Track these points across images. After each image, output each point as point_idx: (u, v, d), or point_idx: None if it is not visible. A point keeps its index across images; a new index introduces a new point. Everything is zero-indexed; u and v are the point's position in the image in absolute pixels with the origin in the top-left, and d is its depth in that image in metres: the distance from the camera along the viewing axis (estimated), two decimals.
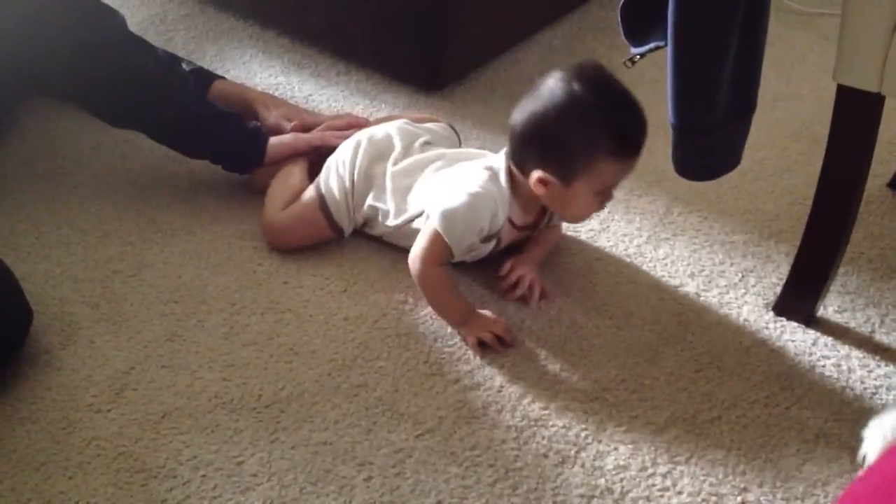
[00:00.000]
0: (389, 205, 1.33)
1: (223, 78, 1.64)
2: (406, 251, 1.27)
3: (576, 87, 1.17)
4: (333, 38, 1.81)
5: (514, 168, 1.24)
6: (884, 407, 1.12)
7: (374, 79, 1.77)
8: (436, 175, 1.32)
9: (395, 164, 1.35)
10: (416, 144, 1.39)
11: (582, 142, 1.17)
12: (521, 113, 1.21)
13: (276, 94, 1.72)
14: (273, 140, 1.46)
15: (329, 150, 1.46)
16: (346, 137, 1.46)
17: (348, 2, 1.74)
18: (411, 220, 1.31)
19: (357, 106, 1.70)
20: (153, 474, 1.06)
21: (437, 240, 1.23)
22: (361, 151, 1.37)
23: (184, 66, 1.60)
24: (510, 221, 1.28)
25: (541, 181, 1.20)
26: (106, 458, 1.08)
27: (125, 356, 1.21)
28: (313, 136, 1.49)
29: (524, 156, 1.22)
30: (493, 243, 1.29)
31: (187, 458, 1.08)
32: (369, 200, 1.35)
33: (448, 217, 1.22)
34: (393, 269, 1.34)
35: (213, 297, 1.30)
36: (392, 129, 1.40)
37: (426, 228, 1.24)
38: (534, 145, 1.20)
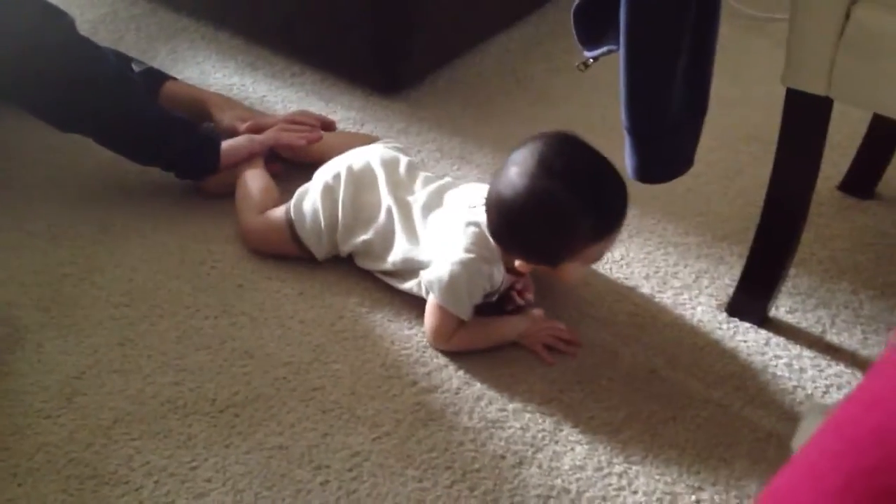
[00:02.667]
0: (385, 243, 1.28)
1: (174, 79, 1.62)
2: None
3: (539, 186, 1.11)
4: (288, 39, 1.80)
5: (497, 244, 1.19)
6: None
7: (329, 81, 1.76)
8: (429, 220, 1.28)
9: (388, 193, 1.29)
10: (402, 169, 1.34)
11: (558, 241, 1.14)
12: (494, 202, 1.15)
13: (231, 95, 1.70)
14: (226, 144, 1.44)
15: (284, 148, 1.46)
16: (301, 134, 1.46)
17: (303, 2, 1.73)
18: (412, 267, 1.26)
19: (312, 107, 1.68)
20: (104, 480, 1.05)
21: (444, 314, 1.20)
22: (343, 185, 1.31)
23: (134, 66, 1.58)
24: (505, 268, 1.23)
25: (526, 265, 1.19)
26: (56, 464, 1.06)
27: (75, 361, 1.19)
28: (267, 137, 1.48)
29: (506, 246, 1.18)
30: (495, 297, 1.26)
31: (139, 464, 1.06)
32: (363, 236, 1.29)
33: (447, 291, 1.19)
34: (350, 272, 1.33)
35: (165, 301, 1.28)
36: (371, 157, 1.34)
37: (430, 305, 1.21)
38: (511, 244, 1.17)
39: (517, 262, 1.20)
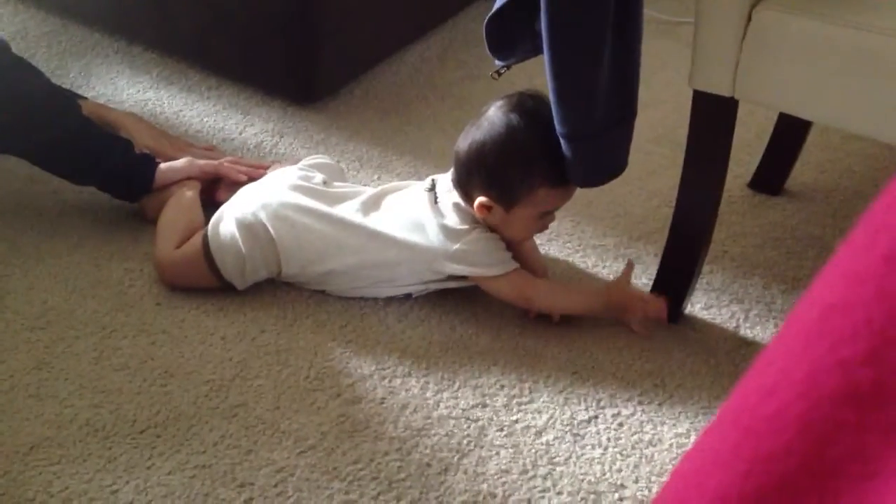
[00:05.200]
0: (336, 260, 1.28)
1: (85, 98, 1.59)
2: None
3: (513, 119, 1.21)
4: (203, 52, 1.78)
5: (459, 192, 1.26)
6: None
7: (245, 93, 1.74)
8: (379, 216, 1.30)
9: (319, 218, 1.29)
10: (320, 188, 1.33)
11: (520, 171, 1.21)
12: (465, 141, 1.25)
13: (146, 110, 1.68)
14: (163, 166, 1.40)
15: (225, 180, 1.42)
16: (244, 174, 1.42)
17: (216, 14, 1.71)
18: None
19: (229, 121, 1.67)
20: None
21: (506, 277, 1.26)
22: (271, 226, 1.27)
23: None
24: None
25: (483, 206, 1.23)
26: None
27: None
28: (208, 164, 1.43)
29: (469, 183, 1.25)
30: None
31: (58, 490, 1.04)
32: (320, 266, 1.28)
33: (493, 259, 1.25)
34: (270, 285, 1.32)
35: (81, 322, 1.25)
36: (286, 187, 1.31)
37: (496, 285, 1.26)
38: (477, 173, 1.23)
39: (475, 205, 1.24)
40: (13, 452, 1.08)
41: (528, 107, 1.21)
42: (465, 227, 1.25)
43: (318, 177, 1.36)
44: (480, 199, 1.23)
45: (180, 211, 1.37)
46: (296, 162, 1.44)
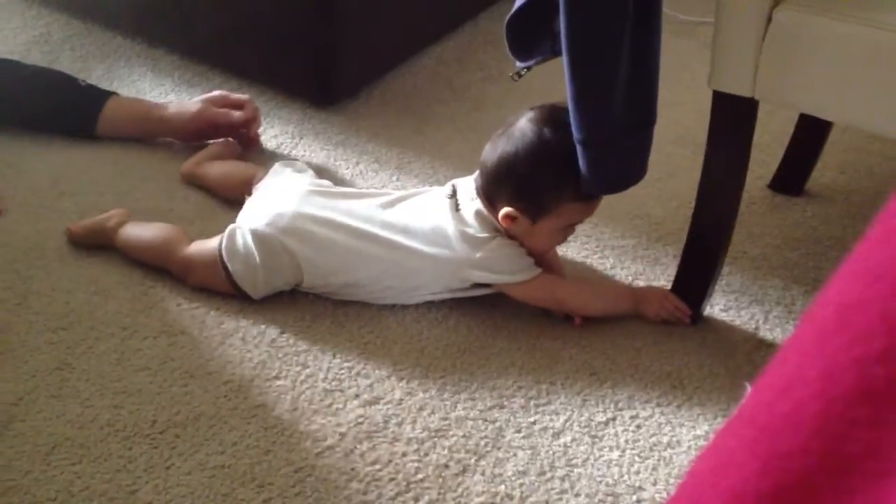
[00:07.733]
0: (360, 271, 1.28)
1: (117, 94, 1.61)
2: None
3: (546, 132, 1.20)
4: (224, 54, 1.79)
5: (483, 201, 1.26)
6: None
7: (266, 95, 1.75)
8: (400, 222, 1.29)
9: (338, 228, 1.28)
10: (329, 188, 1.35)
11: (550, 185, 1.21)
12: (494, 151, 1.24)
13: None
14: (111, 102, 1.57)
15: (209, 125, 1.54)
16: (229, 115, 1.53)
17: (237, 18, 1.72)
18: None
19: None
20: None
21: (536, 283, 1.26)
22: (284, 236, 1.27)
23: (79, 82, 1.61)
24: None
25: (508, 216, 1.23)
26: None
27: (12, 387, 1.17)
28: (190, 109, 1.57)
29: (495, 193, 1.24)
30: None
31: (79, 489, 1.05)
32: (344, 276, 1.28)
33: (517, 266, 1.26)
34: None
35: (103, 323, 1.26)
36: (300, 196, 1.31)
37: (523, 291, 1.27)
38: (505, 184, 1.23)
39: (501, 215, 1.23)
40: (35, 452, 1.09)
41: (559, 119, 1.19)
42: (487, 234, 1.25)
43: (326, 182, 1.37)
44: (506, 210, 1.23)
45: (144, 233, 1.36)
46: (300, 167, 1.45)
